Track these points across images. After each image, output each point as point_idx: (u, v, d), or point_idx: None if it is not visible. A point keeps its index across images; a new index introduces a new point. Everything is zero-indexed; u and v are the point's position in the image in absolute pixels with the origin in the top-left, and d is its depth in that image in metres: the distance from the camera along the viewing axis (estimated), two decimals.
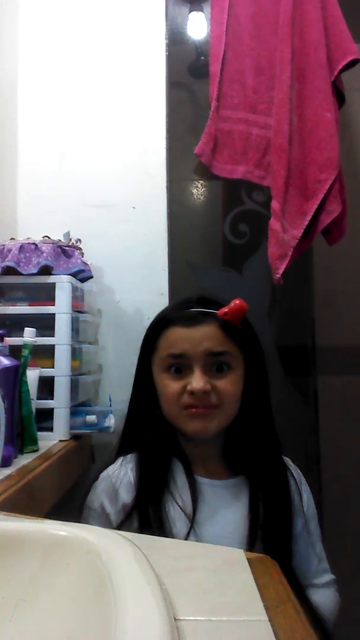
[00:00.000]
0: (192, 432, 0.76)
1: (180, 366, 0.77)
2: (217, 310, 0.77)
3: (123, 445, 0.84)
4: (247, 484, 0.79)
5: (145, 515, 0.74)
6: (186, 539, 0.72)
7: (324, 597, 0.81)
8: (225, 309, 0.77)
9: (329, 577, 0.84)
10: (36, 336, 0.93)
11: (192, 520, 0.73)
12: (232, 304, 0.77)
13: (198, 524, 0.73)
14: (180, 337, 0.77)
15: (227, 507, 0.77)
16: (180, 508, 0.74)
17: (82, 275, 1.12)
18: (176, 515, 0.74)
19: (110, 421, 1.06)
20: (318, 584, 0.82)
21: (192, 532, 0.73)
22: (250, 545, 0.74)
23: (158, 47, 1.36)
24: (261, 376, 0.81)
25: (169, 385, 0.77)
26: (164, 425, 0.80)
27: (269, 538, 0.75)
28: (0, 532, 0.44)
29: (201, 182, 1.41)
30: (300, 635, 0.34)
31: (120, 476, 0.78)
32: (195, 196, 1.43)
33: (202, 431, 0.76)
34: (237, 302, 0.77)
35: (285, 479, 0.81)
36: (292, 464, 0.85)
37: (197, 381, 0.74)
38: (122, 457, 0.82)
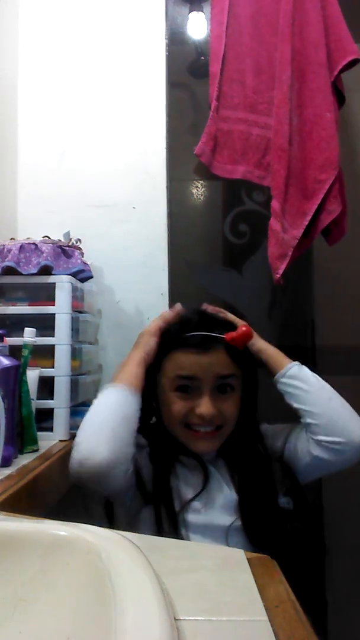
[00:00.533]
0: (198, 451, 0.84)
1: (188, 385, 0.82)
2: (223, 333, 0.82)
3: None
4: (223, 461, 0.87)
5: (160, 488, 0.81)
6: (194, 498, 0.80)
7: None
8: (232, 335, 0.81)
9: None
10: (36, 336, 0.93)
11: (205, 484, 0.81)
12: (239, 331, 0.81)
13: (208, 488, 0.81)
14: (190, 362, 0.81)
15: (218, 478, 0.84)
16: (190, 472, 0.83)
17: (82, 275, 1.12)
18: (184, 478, 0.83)
19: None
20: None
21: (201, 496, 0.80)
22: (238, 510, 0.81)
23: (158, 47, 1.36)
24: (255, 391, 0.88)
25: (175, 404, 0.82)
26: (164, 430, 0.86)
27: (250, 503, 0.82)
28: (0, 532, 0.44)
29: (201, 182, 1.42)
30: (300, 635, 0.34)
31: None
32: (195, 196, 1.43)
33: (207, 450, 0.84)
34: (244, 328, 0.82)
35: (260, 463, 0.87)
36: (266, 426, 0.92)
37: (206, 406, 0.80)
38: None
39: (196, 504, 0.80)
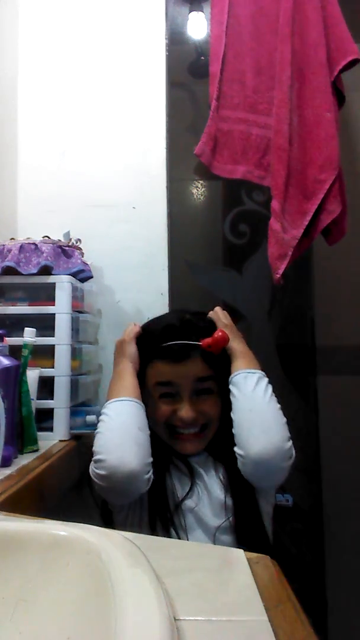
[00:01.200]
0: (183, 452, 0.87)
1: (169, 392, 0.86)
2: (200, 339, 0.85)
3: None
4: (210, 458, 0.89)
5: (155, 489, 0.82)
6: (185, 497, 0.83)
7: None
8: (209, 341, 0.84)
9: None
10: (36, 336, 0.93)
11: (193, 483, 0.84)
12: (215, 336, 0.84)
13: (197, 485, 0.85)
14: (168, 370, 0.86)
15: (207, 478, 0.86)
16: (183, 473, 0.86)
17: (82, 275, 1.12)
18: (178, 479, 0.86)
19: None
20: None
21: (193, 490, 0.83)
22: (226, 505, 0.83)
23: (158, 47, 1.36)
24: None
25: (158, 409, 0.86)
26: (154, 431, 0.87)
27: (239, 504, 0.84)
28: (0, 532, 0.44)
29: (201, 182, 1.41)
30: (300, 635, 0.34)
31: None
32: (195, 196, 1.43)
33: (192, 452, 0.87)
34: (220, 334, 0.85)
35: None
36: None
37: (185, 410, 0.84)
38: None
39: (189, 503, 0.83)
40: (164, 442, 0.88)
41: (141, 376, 0.88)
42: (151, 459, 0.79)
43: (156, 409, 0.86)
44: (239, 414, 0.83)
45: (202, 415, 0.85)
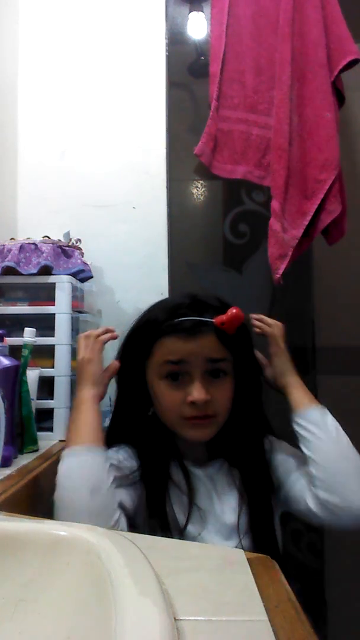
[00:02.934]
0: (192, 439, 0.79)
1: (178, 372, 0.77)
2: (213, 317, 0.77)
3: (109, 441, 0.82)
4: (225, 466, 0.83)
5: (153, 503, 0.76)
6: (186, 523, 0.75)
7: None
8: (222, 319, 0.77)
9: None
10: (36, 336, 0.93)
11: (191, 501, 0.77)
12: (229, 313, 0.77)
13: (199, 509, 0.77)
14: (179, 347, 0.77)
15: (218, 489, 0.80)
16: (182, 492, 0.78)
17: (82, 275, 1.12)
18: (179, 502, 0.78)
19: None
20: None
21: (194, 514, 0.76)
22: (240, 521, 0.77)
23: (158, 47, 1.36)
24: (254, 377, 0.84)
25: (168, 395, 0.78)
26: (158, 424, 0.81)
27: (254, 513, 0.78)
28: (0, 532, 0.44)
29: (201, 182, 1.41)
30: (300, 635, 0.34)
31: (117, 450, 0.80)
32: (195, 196, 1.43)
33: (201, 438, 0.79)
34: (234, 311, 0.78)
35: (262, 459, 0.84)
36: (272, 438, 0.88)
37: (198, 392, 0.75)
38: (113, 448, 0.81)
39: (192, 531, 0.76)
40: (166, 433, 0.81)
41: (145, 356, 0.80)
42: (116, 516, 0.68)
43: (163, 395, 0.78)
44: (327, 460, 0.76)
45: (213, 400, 0.77)
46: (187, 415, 0.77)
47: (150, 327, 0.80)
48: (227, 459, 0.83)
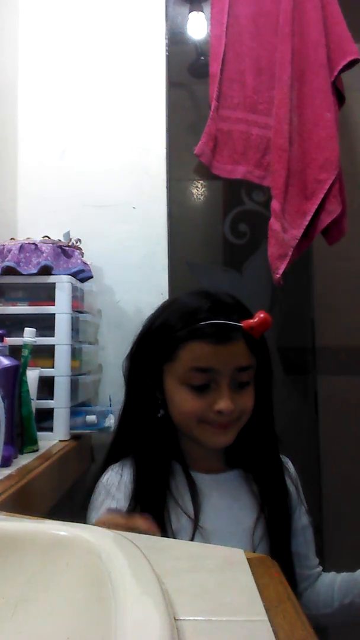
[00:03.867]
0: (212, 445, 0.76)
1: (204, 381, 0.73)
2: (239, 320, 0.73)
3: (118, 449, 0.81)
4: (243, 477, 0.80)
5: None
6: (192, 539, 0.72)
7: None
8: (251, 323, 0.73)
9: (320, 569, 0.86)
10: (36, 336, 0.93)
11: (196, 522, 0.73)
12: (257, 319, 0.73)
13: (203, 522, 0.73)
14: (208, 354, 0.73)
15: (230, 501, 0.77)
16: (182, 510, 0.74)
17: (82, 275, 1.12)
18: (178, 516, 0.73)
19: (110, 421, 1.06)
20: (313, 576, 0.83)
21: (197, 532, 0.72)
22: (255, 538, 0.75)
23: (158, 47, 1.36)
24: (269, 384, 0.81)
25: (189, 401, 0.74)
26: (164, 426, 0.78)
27: (273, 529, 0.76)
28: (0, 532, 0.44)
29: (201, 182, 1.42)
30: (300, 635, 0.34)
31: (116, 485, 0.76)
32: (195, 196, 1.43)
33: (223, 444, 0.76)
34: (262, 315, 0.74)
35: (282, 473, 0.81)
36: (286, 458, 0.85)
37: (225, 403, 0.72)
38: (115, 465, 0.79)
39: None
40: (173, 440, 0.78)
41: (165, 359, 0.76)
42: None
43: (184, 401, 0.74)
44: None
45: (236, 407, 0.74)
46: (209, 422, 0.74)
47: (172, 329, 0.75)
48: (244, 467, 0.80)
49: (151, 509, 0.71)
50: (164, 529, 0.72)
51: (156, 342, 0.77)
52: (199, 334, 0.73)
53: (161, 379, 0.77)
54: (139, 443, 0.78)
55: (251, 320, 0.73)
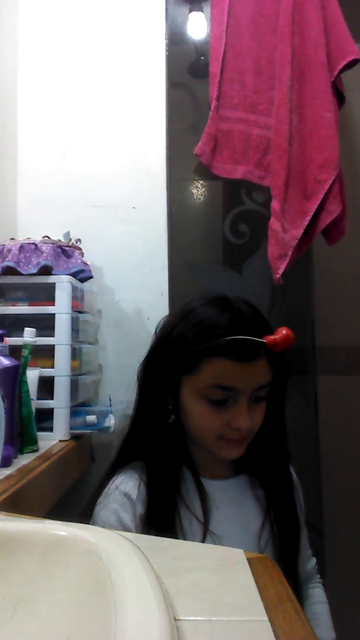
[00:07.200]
0: (224, 457, 0.76)
1: (224, 397, 0.72)
2: (262, 335, 0.72)
3: (127, 452, 0.81)
4: (248, 482, 0.80)
5: (160, 525, 0.72)
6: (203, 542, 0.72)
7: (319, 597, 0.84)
8: (274, 341, 0.71)
9: (318, 577, 0.87)
10: (36, 336, 0.93)
11: (206, 527, 0.73)
12: (280, 335, 0.71)
13: (213, 527, 0.74)
14: (233, 373, 0.71)
15: (237, 506, 0.77)
16: (193, 514, 0.74)
17: (82, 275, 1.12)
18: (190, 521, 0.74)
19: (110, 421, 1.06)
20: (312, 581, 0.85)
21: (208, 537, 0.72)
22: (262, 542, 0.75)
23: (158, 47, 1.36)
24: (283, 397, 0.80)
25: (207, 417, 0.73)
26: (174, 433, 0.77)
27: (282, 534, 0.77)
28: (0, 532, 0.44)
29: (201, 182, 1.42)
30: (300, 635, 0.34)
31: (132, 488, 0.75)
32: (195, 196, 1.43)
33: (234, 457, 0.76)
34: (284, 332, 0.71)
35: (291, 486, 0.82)
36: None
37: (244, 420, 0.71)
38: (126, 469, 0.78)
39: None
40: (183, 449, 0.77)
41: (184, 371, 0.74)
42: None
43: (202, 416, 0.73)
44: None
45: (253, 425, 0.74)
46: (225, 437, 0.73)
47: (192, 342, 0.73)
48: (252, 474, 0.81)
49: (163, 514, 0.72)
50: (176, 534, 0.72)
51: (174, 353, 0.75)
52: (222, 350, 0.71)
53: (177, 387, 0.75)
54: (150, 448, 0.78)
55: (275, 337, 0.71)
